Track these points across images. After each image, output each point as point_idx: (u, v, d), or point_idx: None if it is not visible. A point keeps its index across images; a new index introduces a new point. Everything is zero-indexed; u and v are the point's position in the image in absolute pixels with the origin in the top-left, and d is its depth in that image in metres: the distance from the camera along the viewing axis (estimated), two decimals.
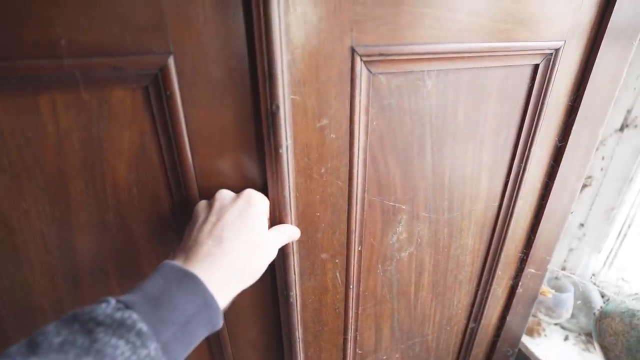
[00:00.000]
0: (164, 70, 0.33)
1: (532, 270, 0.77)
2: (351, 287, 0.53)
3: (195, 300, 0.30)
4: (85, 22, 0.31)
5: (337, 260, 0.50)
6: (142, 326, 0.27)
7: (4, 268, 0.39)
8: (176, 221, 0.42)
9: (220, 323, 0.33)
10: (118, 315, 0.27)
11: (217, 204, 0.37)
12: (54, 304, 0.42)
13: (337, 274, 0.51)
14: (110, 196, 0.38)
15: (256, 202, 0.38)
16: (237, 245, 0.35)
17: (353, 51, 0.38)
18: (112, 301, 0.28)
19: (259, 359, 0.55)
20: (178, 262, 0.33)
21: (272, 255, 0.40)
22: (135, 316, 0.27)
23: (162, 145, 0.37)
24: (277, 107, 0.36)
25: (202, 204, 0.39)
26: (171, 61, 0.33)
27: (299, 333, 0.52)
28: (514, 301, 0.80)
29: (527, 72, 0.52)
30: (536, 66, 0.52)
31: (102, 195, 0.38)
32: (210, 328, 0.32)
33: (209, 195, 0.39)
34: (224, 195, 0.39)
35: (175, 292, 0.30)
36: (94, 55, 0.32)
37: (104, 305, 0.27)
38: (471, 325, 0.79)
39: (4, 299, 0.41)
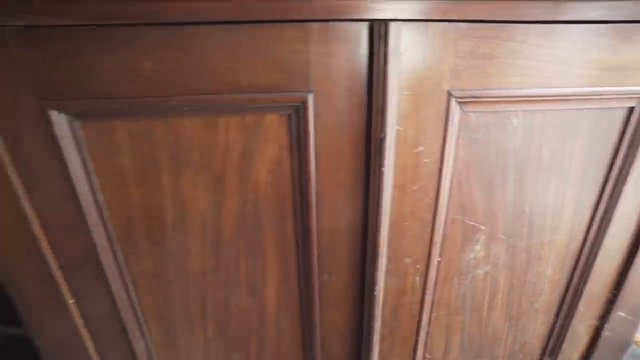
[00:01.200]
0: (304, 103, 0.46)
1: (622, 314, 0.75)
2: (427, 292, 0.60)
3: None
4: (259, 70, 0.44)
5: (417, 266, 0.58)
6: None
7: (176, 238, 0.55)
8: (294, 218, 0.54)
9: None
10: None
11: None
12: (201, 266, 0.57)
13: (417, 279, 0.59)
14: (251, 192, 0.52)
15: None
16: None
17: (449, 94, 0.47)
18: None
19: (342, 343, 0.65)
20: None
21: None
22: None
23: (293, 158, 0.50)
24: (385, 135, 0.46)
25: None
26: (310, 98, 0.46)
27: (377, 325, 0.61)
28: (599, 344, 0.77)
29: (621, 114, 0.55)
30: (631, 109, 0.54)
31: (246, 191, 0.52)
32: None
33: (323, 198, 0.51)
34: None
35: None
36: (260, 92, 0.46)
37: None
38: (546, 359, 0.79)
39: (168, 262, 0.57)
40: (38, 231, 0.51)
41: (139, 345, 0.64)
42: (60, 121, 0.45)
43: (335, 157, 0.49)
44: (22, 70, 0.42)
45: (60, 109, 0.45)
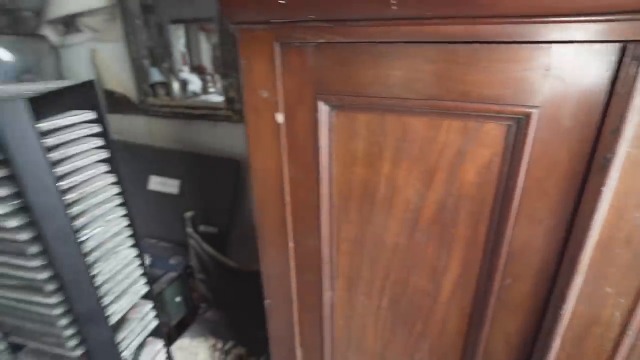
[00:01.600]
0: (528, 117, 0.50)
1: None
2: (628, 334, 0.56)
3: None
4: (490, 84, 0.51)
5: (621, 300, 0.54)
6: None
7: (380, 215, 0.66)
8: (490, 219, 0.59)
9: None
10: None
11: None
12: (393, 242, 0.68)
13: (617, 314, 0.55)
14: (456, 188, 0.59)
15: None
16: None
17: None
18: None
19: (508, 352, 0.66)
20: None
21: None
22: None
23: (504, 164, 0.54)
24: (613, 155, 0.46)
25: None
26: (535, 112, 0.50)
27: (555, 344, 0.59)
28: None
29: None
30: None
31: (451, 186, 0.59)
32: None
33: (524, 206, 0.54)
34: None
35: None
36: (486, 103, 0.52)
37: None
38: None
39: (368, 234, 0.69)
40: (287, 187, 0.71)
41: (326, 295, 0.79)
42: (323, 110, 0.62)
43: (548, 168, 0.52)
44: (311, 72, 0.60)
45: (325, 101, 0.62)
